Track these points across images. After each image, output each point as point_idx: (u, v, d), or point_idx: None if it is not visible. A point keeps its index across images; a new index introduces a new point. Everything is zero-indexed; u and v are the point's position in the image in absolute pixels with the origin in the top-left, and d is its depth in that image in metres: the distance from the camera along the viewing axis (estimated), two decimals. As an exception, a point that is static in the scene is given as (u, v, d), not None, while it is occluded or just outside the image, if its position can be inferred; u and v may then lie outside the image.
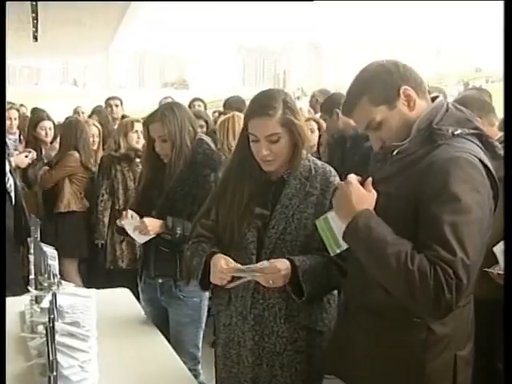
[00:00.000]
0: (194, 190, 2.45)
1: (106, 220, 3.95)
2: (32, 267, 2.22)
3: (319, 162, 1.96)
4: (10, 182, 3.21)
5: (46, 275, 1.67)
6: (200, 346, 2.61)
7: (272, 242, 1.86)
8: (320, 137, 4.21)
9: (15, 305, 2.28)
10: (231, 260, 1.81)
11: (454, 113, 1.56)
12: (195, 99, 5.72)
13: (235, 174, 1.93)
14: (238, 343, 1.90)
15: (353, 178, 1.53)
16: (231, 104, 4.80)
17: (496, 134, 2.61)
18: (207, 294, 2.56)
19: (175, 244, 2.41)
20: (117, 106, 5.65)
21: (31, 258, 2.27)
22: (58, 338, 1.27)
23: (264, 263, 1.76)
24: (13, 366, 1.76)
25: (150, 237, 2.46)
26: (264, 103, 1.83)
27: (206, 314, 2.61)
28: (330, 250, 1.59)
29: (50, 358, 1.03)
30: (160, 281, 2.54)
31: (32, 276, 2.20)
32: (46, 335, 1.13)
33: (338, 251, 1.57)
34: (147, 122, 2.53)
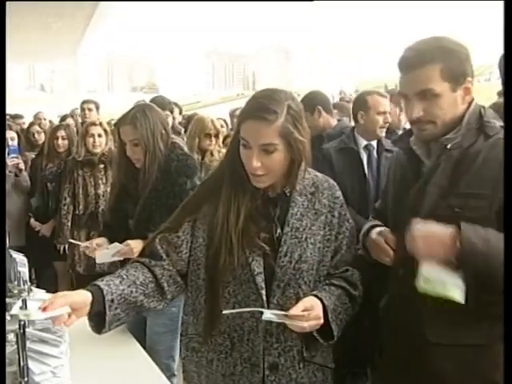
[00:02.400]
0: (171, 200, 2.33)
1: (70, 224, 3.93)
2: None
3: (319, 174, 1.67)
4: None
5: (16, 282, 1.65)
6: (176, 358, 2.52)
7: (286, 273, 1.54)
8: None
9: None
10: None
11: (487, 109, 1.59)
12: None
13: (225, 186, 1.58)
14: None
15: (418, 222, 1.42)
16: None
17: None
18: None
19: None
20: (90, 109, 5.46)
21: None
22: (28, 344, 1.26)
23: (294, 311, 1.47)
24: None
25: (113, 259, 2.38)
26: (264, 105, 1.49)
27: None
28: (456, 296, 1.37)
29: (21, 365, 1.02)
30: None
31: None
32: (17, 342, 1.13)
33: (460, 292, 1.36)
34: (118, 124, 2.45)
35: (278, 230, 1.56)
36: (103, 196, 3.87)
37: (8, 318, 1.91)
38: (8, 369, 1.65)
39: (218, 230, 1.54)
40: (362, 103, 3.16)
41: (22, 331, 1.12)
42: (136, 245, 2.33)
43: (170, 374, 2.49)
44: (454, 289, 1.35)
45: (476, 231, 1.37)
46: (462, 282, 1.36)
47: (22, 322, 1.16)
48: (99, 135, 3.86)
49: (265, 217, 1.57)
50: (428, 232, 1.39)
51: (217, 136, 3.97)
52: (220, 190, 1.58)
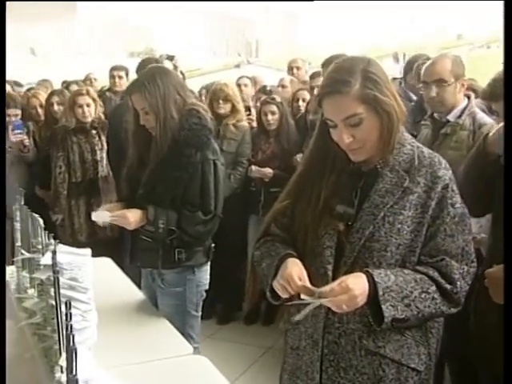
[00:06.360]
0: (176, 172, 2.26)
1: (66, 193, 3.91)
2: (18, 235, 2.20)
3: (426, 150, 1.55)
4: None
5: (40, 238, 1.74)
6: (194, 334, 2.44)
7: (354, 250, 1.47)
8: (308, 104, 4.03)
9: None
10: (306, 277, 1.45)
11: None
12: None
13: (314, 165, 1.58)
14: (305, 373, 1.56)
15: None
16: None
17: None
18: (197, 280, 2.40)
19: (157, 238, 2.28)
20: (121, 77, 5.11)
21: (17, 225, 2.28)
22: (58, 291, 1.36)
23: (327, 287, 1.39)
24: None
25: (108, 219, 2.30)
26: (336, 78, 1.46)
27: (197, 302, 2.45)
28: None
29: (64, 301, 1.11)
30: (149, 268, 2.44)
31: (18, 243, 2.17)
32: (54, 285, 1.24)
33: None
34: (128, 91, 2.39)
35: (356, 206, 1.50)
36: (100, 161, 3.86)
37: (26, 275, 2.00)
38: (29, 321, 1.75)
39: (302, 208, 1.56)
40: None
41: (56, 276, 1.23)
42: (133, 215, 2.26)
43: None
44: None
45: None
46: None
47: (56, 268, 1.27)
48: (87, 105, 3.84)
49: (348, 192, 1.53)
50: (493, 276, 1.48)
51: (226, 100, 3.90)
52: (309, 171, 1.59)
